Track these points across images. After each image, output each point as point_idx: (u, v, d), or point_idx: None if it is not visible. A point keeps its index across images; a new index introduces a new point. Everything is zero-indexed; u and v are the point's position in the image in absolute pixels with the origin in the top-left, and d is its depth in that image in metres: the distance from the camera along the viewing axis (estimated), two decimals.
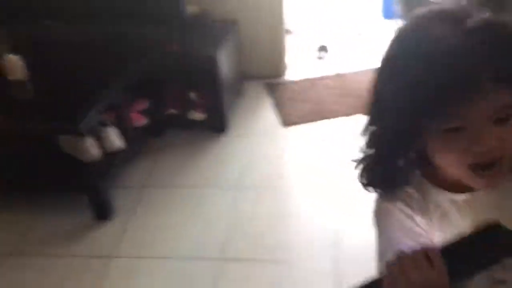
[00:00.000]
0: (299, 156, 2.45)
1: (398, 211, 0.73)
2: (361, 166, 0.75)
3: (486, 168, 0.65)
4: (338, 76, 3.02)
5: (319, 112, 2.73)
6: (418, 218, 0.73)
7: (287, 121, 2.67)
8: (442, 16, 0.63)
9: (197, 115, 2.52)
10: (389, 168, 0.73)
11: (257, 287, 1.80)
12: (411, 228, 0.72)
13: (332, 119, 2.67)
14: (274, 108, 2.78)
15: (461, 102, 0.59)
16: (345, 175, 2.22)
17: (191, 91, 2.50)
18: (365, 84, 3.06)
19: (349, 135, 2.51)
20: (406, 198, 0.74)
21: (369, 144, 0.73)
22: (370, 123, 0.73)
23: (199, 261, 1.92)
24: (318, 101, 2.82)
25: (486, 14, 0.62)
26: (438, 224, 0.74)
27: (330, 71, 3.07)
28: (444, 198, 0.74)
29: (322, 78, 3.02)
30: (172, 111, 2.52)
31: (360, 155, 0.74)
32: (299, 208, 2.16)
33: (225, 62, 2.52)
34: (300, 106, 2.79)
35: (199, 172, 2.37)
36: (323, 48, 3.29)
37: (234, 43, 2.71)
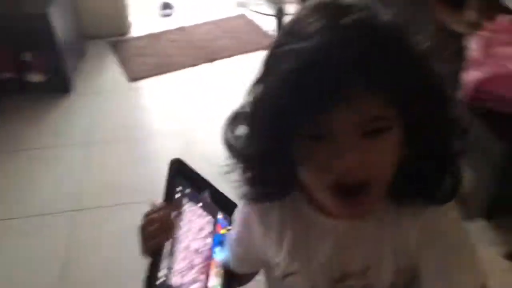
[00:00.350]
0: (147, 107, 2.52)
1: (251, 218, 0.71)
2: (235, 164, 0.65)
3: (349, 193, 0.55)
4: (181, 29, 3.11)
5: (165, 65, 2.80)
6: (266, 233, 0.70)
7: (133, 77, 2.71)
8: (323, 11, 0.55)
9: (36, 77, 2.44)
10: (260, 172, 0.63)
11: (115, 230, 1.86)
12: (249, 239, 0.73)
13: (178, 71, 2.77)
14: (120, 65, 2.80)
15: (323, 107, 0.51)
16: (193, 121, 2.36)
17: (25, 52, 2.40)
18: (206, 35, 3.24)
19: (195, 84, 2.64)
20: (264, 211, 0.69)
21: (245, 145, 0.63)
22: (246, 120, 0.62)
23: (53, 215, 1.92)
24: (163, 55, 2.89)
25: (364, 12, 0.53)
26: (293, 244, 0.68)
27: (173, 26, 3.15)
28: (314, 218, 0.66)
29: (165, 33, 3.09)
30: (6, 74, 2.40)
31: (235, 152, 0.64)
32: (149, 154, 2.24)
33: (60, 21, 2.45)
34: (145, 61, 2.84)
35: (46, 133, 2.32)
36: (167, 6, 3.34)
37: (69, 0, 2.64)
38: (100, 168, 2.14)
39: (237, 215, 0.76)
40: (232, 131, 0.64)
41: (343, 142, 0.53)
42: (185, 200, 0.76)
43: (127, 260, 1.71)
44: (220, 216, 0.82)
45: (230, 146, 0.64)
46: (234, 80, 2.60)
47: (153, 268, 0.67)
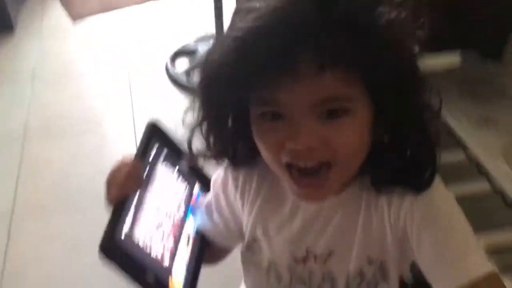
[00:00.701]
0: (92, 45, 2.54)
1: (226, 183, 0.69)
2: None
3: (305, 174, 0.53)
4: None
5: (109, 4, 2.80)
6: (240, 198, 0.67)
7: (77, 15, 2.71)
8: None
9: None
10: (225, 142, 0.61)
11: (63, 156, 1.94)
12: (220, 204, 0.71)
13: (123, 9, 2.78)
14: (62, 5, 2.79)
15: (276, 83, 0.48)
16: (136, 58, 2.39)
17: None
18: None
19: (140, 22, 2.66)
20: (243, 177, 0.67)
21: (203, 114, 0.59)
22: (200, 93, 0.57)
23: (2, 145, 1.98)
24: None
25: None
26: (262, 211, 0.66)
27: None
28: (288, 193, 0.63)
29: None
30: None
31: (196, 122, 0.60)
32: (95, 90, 2.27)
33: None
34: (88, 1, 2.83)
35: None
36: None
37: None
38: (46, 103, 2.19)
39: (213, 180, 0.72)
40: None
41: (298, 123, 0.50)
42: (161, 159, 0.71)
43: (76, 181, 1.80)
44: (196, 188, 0.77)
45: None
46: (180, 18, 2.63)
47: (115, 218, 0.61)
